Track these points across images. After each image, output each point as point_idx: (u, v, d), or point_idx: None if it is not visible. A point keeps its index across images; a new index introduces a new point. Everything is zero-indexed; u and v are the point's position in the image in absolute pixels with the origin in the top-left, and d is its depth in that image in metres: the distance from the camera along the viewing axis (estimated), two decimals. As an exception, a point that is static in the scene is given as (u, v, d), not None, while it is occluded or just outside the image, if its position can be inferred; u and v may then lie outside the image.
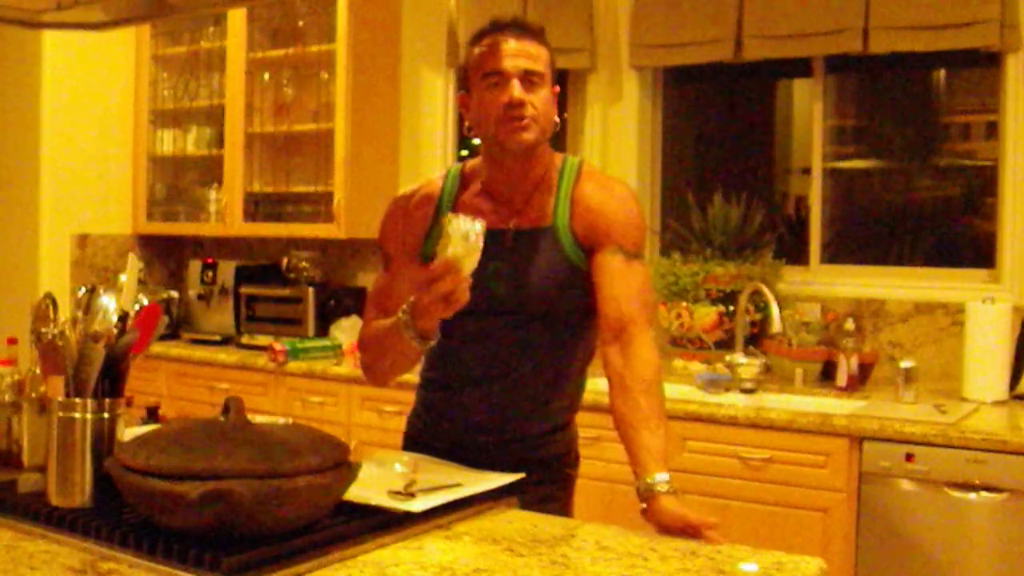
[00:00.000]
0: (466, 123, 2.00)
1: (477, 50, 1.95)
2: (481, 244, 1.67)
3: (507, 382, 1.99)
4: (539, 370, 2.00)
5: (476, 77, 1.94)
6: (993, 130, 3.58)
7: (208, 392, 4.11)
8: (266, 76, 4.52)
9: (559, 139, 3.71)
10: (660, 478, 1.74)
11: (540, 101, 1.91)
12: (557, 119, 1.98)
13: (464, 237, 1.64)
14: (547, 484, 2.03)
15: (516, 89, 1.89)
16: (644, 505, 1.74)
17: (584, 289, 1.96)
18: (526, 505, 1.85)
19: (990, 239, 3.50)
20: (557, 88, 1.98)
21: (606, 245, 1.94)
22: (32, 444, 1.80)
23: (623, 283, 1.92)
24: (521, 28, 1.94)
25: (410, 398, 2.16)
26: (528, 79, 1.90)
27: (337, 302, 4.35)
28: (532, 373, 2.00)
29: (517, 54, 1.90)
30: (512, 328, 1.97)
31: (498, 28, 1.94)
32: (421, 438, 2.10)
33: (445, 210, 1.98)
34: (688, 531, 1.67)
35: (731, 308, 3.61)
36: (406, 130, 4.45)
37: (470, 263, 1.66)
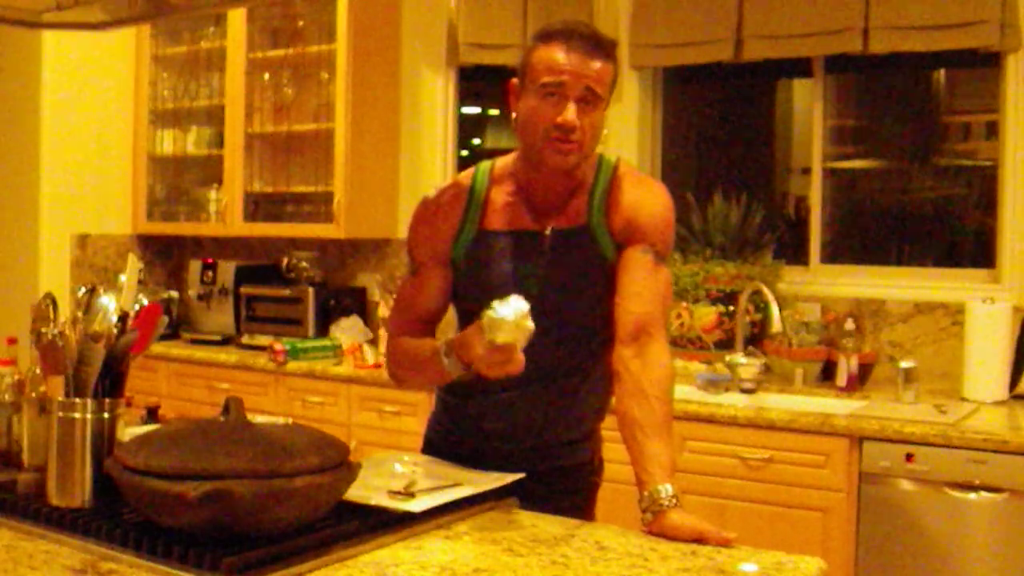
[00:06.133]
0: (512, 114, 1.91)
1: (542, 52, 1.83)
2: (531, 323, 1.65)
3: (535, 389, 1.93)
4: (567, 378, 1.95)
5: (533, 79, 1.83)
6: (993, 130, 3.58)
7: (208, 392, 4.11)
8: (266, 76, 4.52)
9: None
10: (667, 491, 1.69)
11: (591, 124, 1.83)
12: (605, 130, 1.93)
13: (515, 325, 1.64)
14: (571, 494, 1.99)
15: (570, 112, 1.80)
16: (648, 516, 1.69)
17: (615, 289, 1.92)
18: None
19: (990, 239, 3.50)
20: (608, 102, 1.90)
21: (639, 243, 1.90)
22: (32, 444, 1.79)
23: (651, 283, 1.89)
24: (594, 42, 1.83)
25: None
26: (585, 99, 1.81)
27: (337, 302, 4.35)
28: (561, 381, 1.95)
29: (582, 71, 1.80)
30: (542, 334, 1.87)
31: (570, 35, 1.82)
32: (442, 444, 2.04)
33: (476, 210, 1.94)
34: (700, 542, 1.63)
35: (731, 308, 3.61)
36: (406, 130, 4.45)
37: (523, 341, 1.66)
